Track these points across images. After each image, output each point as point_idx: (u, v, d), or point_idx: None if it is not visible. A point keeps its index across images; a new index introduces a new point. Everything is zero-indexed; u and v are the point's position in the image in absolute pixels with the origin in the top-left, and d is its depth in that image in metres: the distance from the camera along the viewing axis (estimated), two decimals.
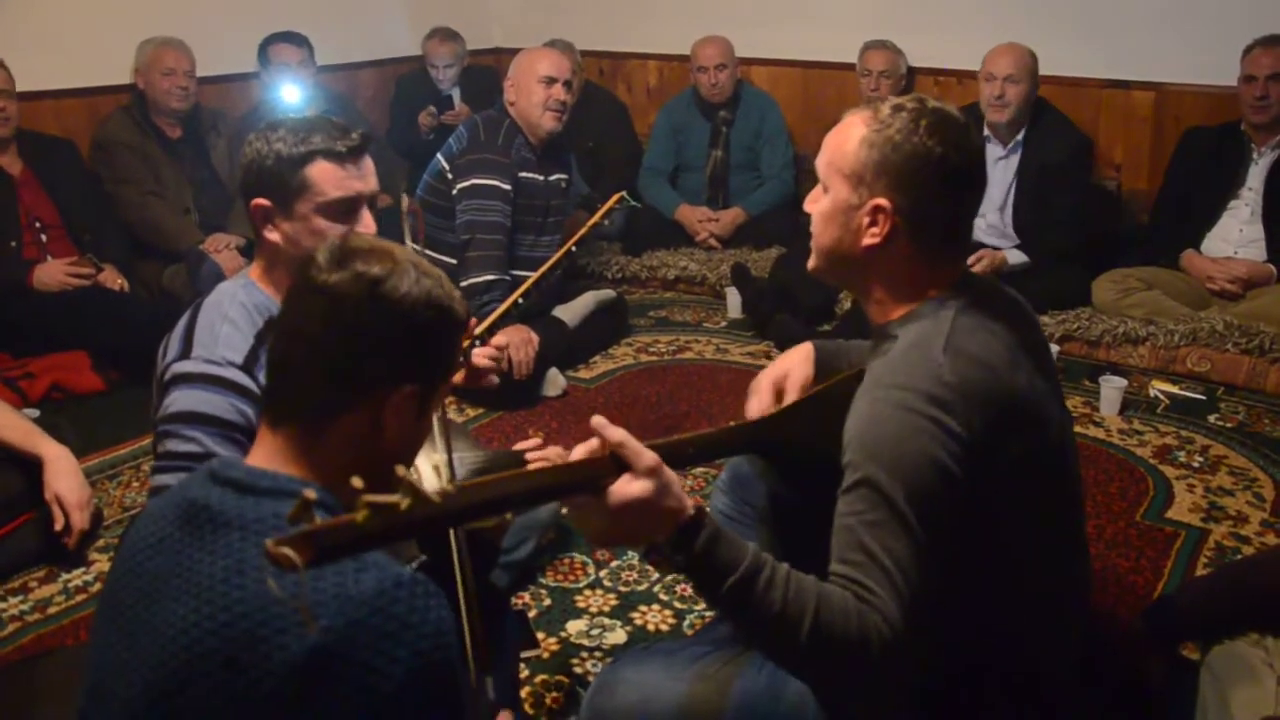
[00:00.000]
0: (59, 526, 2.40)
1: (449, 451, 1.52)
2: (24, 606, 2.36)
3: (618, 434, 1.20)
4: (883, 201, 1.40)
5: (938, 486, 1.28)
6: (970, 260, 3.72)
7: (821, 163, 1.48)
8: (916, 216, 1.41)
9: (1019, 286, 3.41)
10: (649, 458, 1.19)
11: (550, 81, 3.50)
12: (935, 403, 1.30)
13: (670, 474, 1.21)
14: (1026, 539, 1.42)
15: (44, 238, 3.66)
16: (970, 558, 1.34)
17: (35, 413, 3.08)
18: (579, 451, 1.24)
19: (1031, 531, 1.42)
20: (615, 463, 1.18)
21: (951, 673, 1.44)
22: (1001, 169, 4.01)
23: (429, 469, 1.62)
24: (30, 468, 2.45)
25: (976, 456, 1.31)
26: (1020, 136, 4.01)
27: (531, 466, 1.22)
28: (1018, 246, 4.00)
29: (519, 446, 1.93)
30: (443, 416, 1.52)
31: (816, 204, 1.49)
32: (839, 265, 1.49)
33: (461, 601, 1.28)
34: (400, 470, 0.90)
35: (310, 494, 0.86)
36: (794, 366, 1.80)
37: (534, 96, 3.50)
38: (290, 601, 0.86)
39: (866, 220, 1.42)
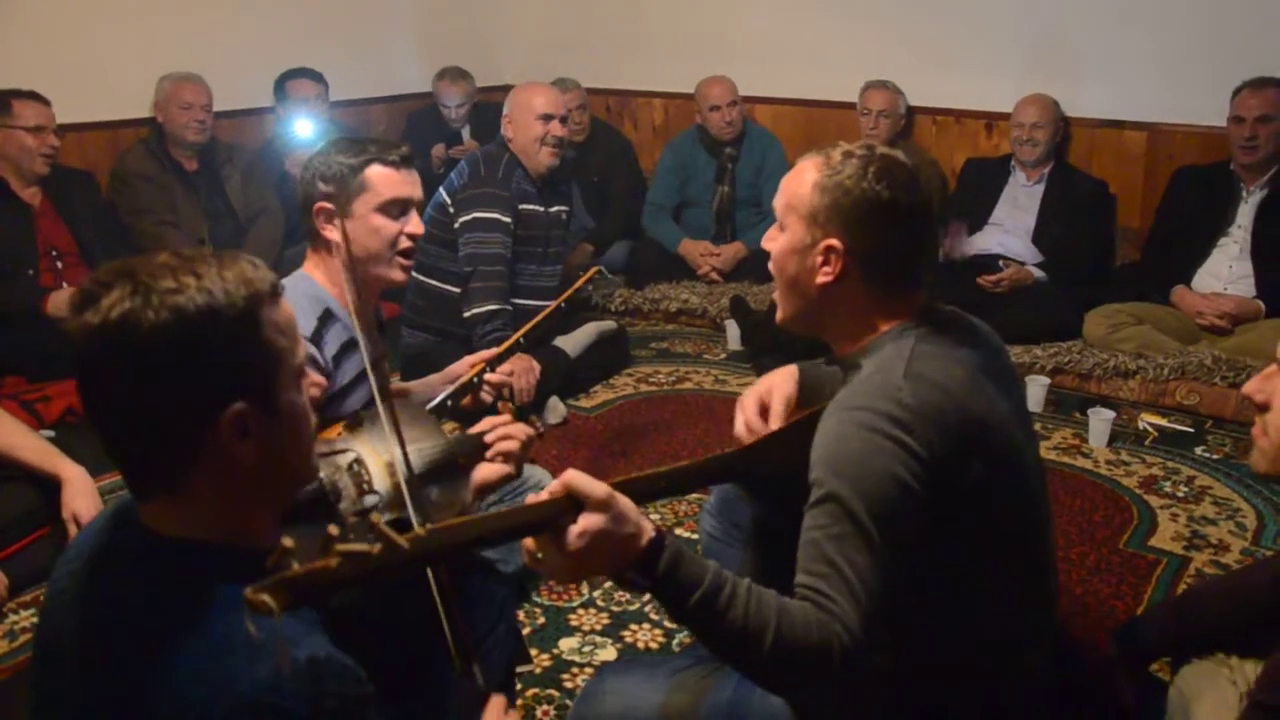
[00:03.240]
0: None
1: (403, 446, 1.48)
2: (37, 619, 2.43)
3: (566, 474, 1.23)
4: (834, 242, 1.49)
5: (899, 501, 1.35)
6: (1003, 271, 4.14)
7: (779, 204, 1.58)
8: (867, 255, 1.50)
9: (1016, 316, 3.57)
10: (599, 490, 1.22)
11: (547, 118, 3.56)
12: (896, 424, 1.37)
13: (624, 502, 1.24)
14: (990, 557, 1.48)
15: (60, 265, 3.75)
16: (934, 573, 1.41)
17: (50, 434, 3.15)
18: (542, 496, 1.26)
19: (995, 549, 1.48)
20: (573, 502, 1.22)
21: (917, 687, 1.50)
22: (1027, 195, 4.38)
23: (379, 468, 1.59)
24: (45, 484, 2.52)
25: (937, 476, 1.37)
26: (1047, 170, 4.35)
27: (499, 509, 1.25)
28: (1040, 265, 4.22)
29: (478, 428, 1.93)
30: (391, 409, 1.49)
31: (774, 242, 1.58)
32: (800, 304, 1.57)
33: (436, 597, 1.33)
34: (375, 518, 0.96)
35: (288, 542, 0.89)
36: (777, 384, 1.85)
37: (531, 133, 3.56)
38: (266, 643, 0.91)
39: (820, 259, 1.51)
